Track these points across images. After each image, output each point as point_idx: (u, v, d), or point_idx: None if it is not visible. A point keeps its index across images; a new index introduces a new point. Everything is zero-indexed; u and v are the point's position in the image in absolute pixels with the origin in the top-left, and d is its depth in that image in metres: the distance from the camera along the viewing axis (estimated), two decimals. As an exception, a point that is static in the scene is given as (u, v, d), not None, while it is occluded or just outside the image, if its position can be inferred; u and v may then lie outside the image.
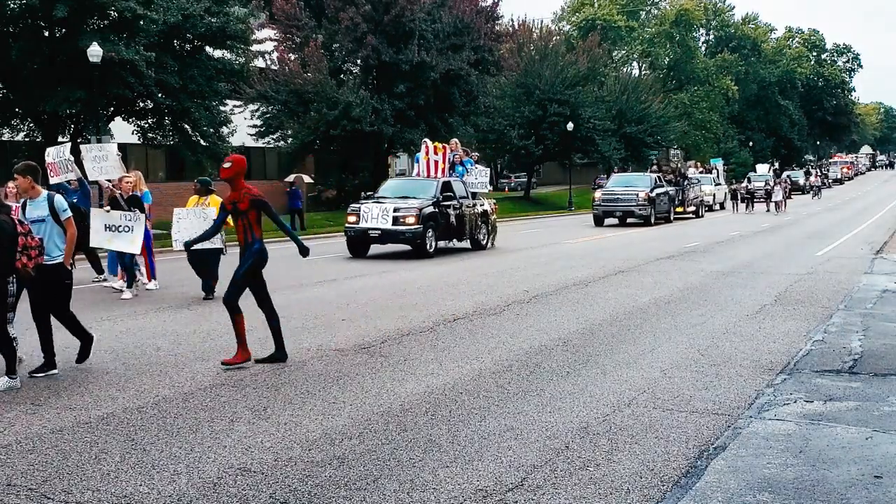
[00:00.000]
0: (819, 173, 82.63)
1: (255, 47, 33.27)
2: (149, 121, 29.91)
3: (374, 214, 19.98)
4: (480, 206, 22.61)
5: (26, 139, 30.09)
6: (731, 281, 15.53)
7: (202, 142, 29.98)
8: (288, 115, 38.19)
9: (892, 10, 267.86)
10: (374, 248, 21.14)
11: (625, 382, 7.85)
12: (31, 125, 28.89)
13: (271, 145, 41.49)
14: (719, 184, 51.33)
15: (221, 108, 30.95)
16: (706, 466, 5.61)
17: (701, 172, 50.27)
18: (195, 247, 12.59)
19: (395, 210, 19.88)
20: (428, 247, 20.15)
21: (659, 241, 25.72)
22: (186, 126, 29.44)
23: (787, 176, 69.26)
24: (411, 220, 19.79)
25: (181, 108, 28.12)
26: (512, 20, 60.00)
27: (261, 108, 38.46)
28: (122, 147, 35.27)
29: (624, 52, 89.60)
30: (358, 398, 7.25)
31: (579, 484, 5.31)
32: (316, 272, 17.32)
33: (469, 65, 40.25)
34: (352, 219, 20.46)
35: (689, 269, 17.60)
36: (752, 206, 44.68)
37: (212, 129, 29.85)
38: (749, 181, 49.40)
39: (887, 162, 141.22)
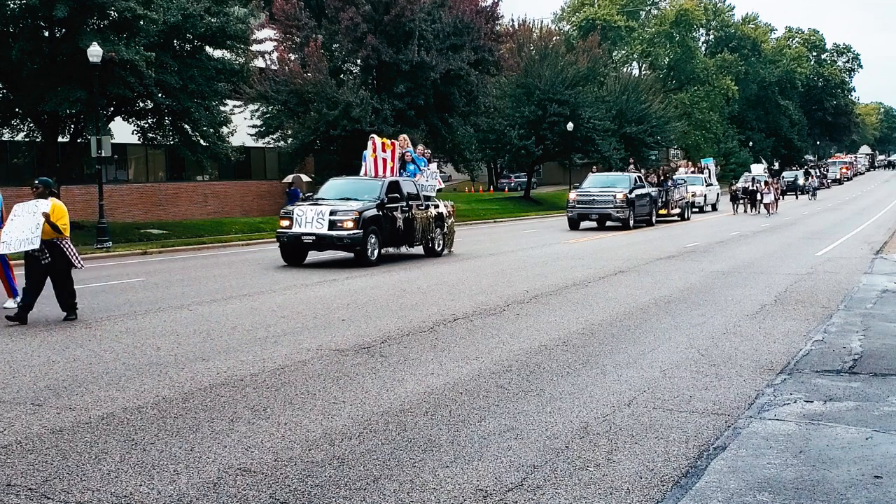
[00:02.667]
0: (818, 174, 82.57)
1: (255, 47, 33.22)
2: (149, 121, 29.88)
3: (308, 218, 18.10)
4: (435, 208, 20.85)
5: (26, 139, 30.07)
6: (731, 281, 15.54)
7: (202, 142, 29.94)
8: (288, 115, 38.18)
9: (892, 10, 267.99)
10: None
11: (625, 382, 7.86)
12: (31, 125, 28.86)
13: (271, 145, 41.48)
14: (711, 184, 49.38)
15: (221, 108, 30.89)
16: (706, 466, 5.61)
17: (692, 172, 48.49)
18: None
19: (332, 213, 18.01)
20: (370, 254, 18.35)
21: (658, 241, 25.74)
22: (186, 126, 29.39)
23: (783, 176, 69.07)
24: (350, 224, 17.88)
25: (181, 108, 28.08)
26: (512, 20, 60.07)
27: (261, 108, 38.43)
28: (122, 147, 35.65)
29: (624, 52, 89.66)
30: (358, 398, 7.25)
31: (579, 484, 5.31)
32: (316, 272, 17.32)
33: (469, 65, 40.20)
34: (284, 223, 18.52)
35: (688, 269, 17.61)
36: (755, 208, 43.15)
37: (212, 129, 29.80)
38: (754, 181, 46.69)
39: (886, 162, 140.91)
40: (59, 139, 28.82)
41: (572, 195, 32.84)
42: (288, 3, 39.10)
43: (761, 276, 16.37)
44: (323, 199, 19.34)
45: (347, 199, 18.94)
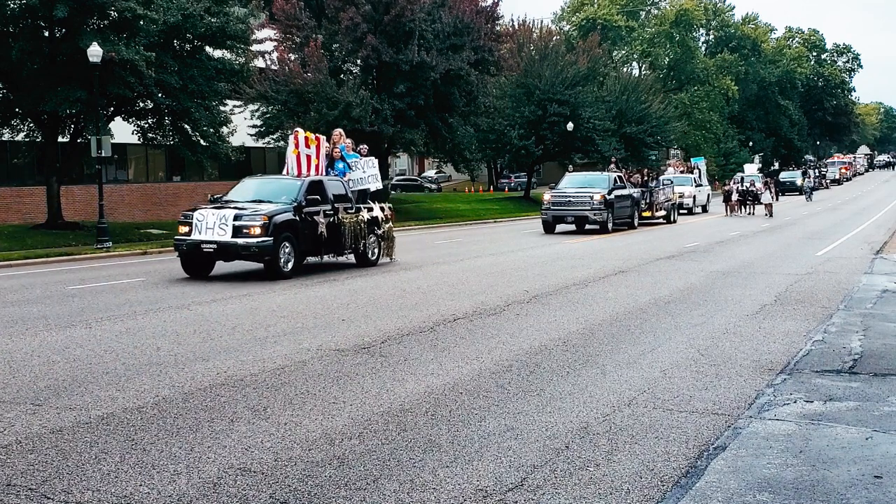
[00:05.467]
0: (817, 174, 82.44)
1: (255, 47, 33.22)
2: (149, 121, 29.89)
3: (209, 223, 15.75)
4: (368, 211, 18.44)
5: (26, 139, 30.09)
6: (731, 281, 15.54)
7: (202, 142, 29.95)
8: (288, 115, 38.15)
9: (892, 11, 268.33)
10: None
11: (625, 382, 7.86)
12: (31, 125, 28.87)
13: (271, 145, 41.46)
14: (700, 185, 47.22)
15: (221, 108, 30.90)
16: (706, 466, 5.61)
17: (681, 172, 46.87)
18: None
19: (237, 218, 15.67)
20: (283, 265, 15.95)
21: (658, 241, 25.77)
22: (186, 126, 29.41)
23: (779, 177, 68.52)
24: (257, 230, 15.55)
25: (181, 108, 28.09)
26: (512, 20, 60.06)
27: (261, 108, 38.42)
28: (122, 147, 35.69)
29: (624, 52, 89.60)
30: (358, 398, 7.25)
31: (579, 484, 5.31)
32: (316, 272, 17.31)
33: (469, 65, 40.19)
34: (183, 229, 16.11)
35: (688, 269, 17.61)
36: (747, 209, 41.98)
37: (212, 129, 29.81)
38: (743, 181, 44.89)
39: (886, 162, 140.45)
40: (59, 139, 28.83)
41: (547, 196, 31.01)
42: (288, 3, 39.08)
43: (761, 276, 16.37)
44: (232, 201, 16.94)
45: (260, 201, 16.69)
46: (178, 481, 5.31)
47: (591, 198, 29.57)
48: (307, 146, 18.33)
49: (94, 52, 23.47)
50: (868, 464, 5.63)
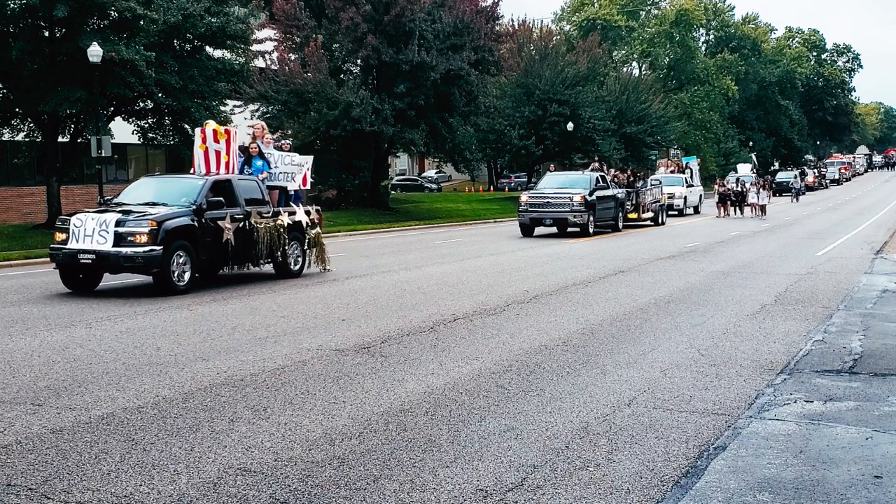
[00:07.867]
0: (816, 174, 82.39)
1: (255, 47, 33.28)
2: (149, 121, 29.93)
3: (87, 230, 13.54)
4: (289, 215, 16.43)
5: (26, 139, 30.12)
6: (731, 281, 15.54)
7: (202, 142, 29.96)
8: (288, 115, 38.18)
9: (892, 10, 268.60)
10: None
11: (625, 382, 7.86)
12: (31, 125, 28.91)
13: (271, 145, 41.44)
14: (692, 185, 45.39)
15: (221, 108, 30.95)
16: (706, 466, 5.61)
17: (672, 172, 45.56)
18: None
19: (119, 223, 13.44)
20: (175, 278, 13.71)
21: (658, 241, 25.77)
22: (186, 126, 29.44)
23: (776, 177, 68.24)
24: (143, 238, 13.33)
25: (181, 108, 28.12)
26: (512, 20, 60.09)
27: (261, 108, 38.45)
28: (122, 147, 35.69)
29: (624, 52, 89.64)
30: (358, 398, 7.25)
31: (579, 484, 5.31)
32: (314, 272, 17.31)
33: (469, 65, 40.19)
34: (60, 237, 13.89)
35: (689, 269, 17.61)
36: (741, 210, 41.03)
37: (212, 129, 29.82)
38: (738, 182, 43.47)
39: (884, 162, 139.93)
40: (59, 139, 28.85)
41: (524, 197, 29.40)
42: (288, 3, 39.10)
43: (761, 276, 16.37)
44: (122, 203, 14.83)
45: (154, 203, 14.50)
46: (178, 481, 5.31)
47: (571, 199, 27.74)
48: (216, 141, 16.12)
49: (94, 52, 23.48)
50: (868, 464, 5.64)
